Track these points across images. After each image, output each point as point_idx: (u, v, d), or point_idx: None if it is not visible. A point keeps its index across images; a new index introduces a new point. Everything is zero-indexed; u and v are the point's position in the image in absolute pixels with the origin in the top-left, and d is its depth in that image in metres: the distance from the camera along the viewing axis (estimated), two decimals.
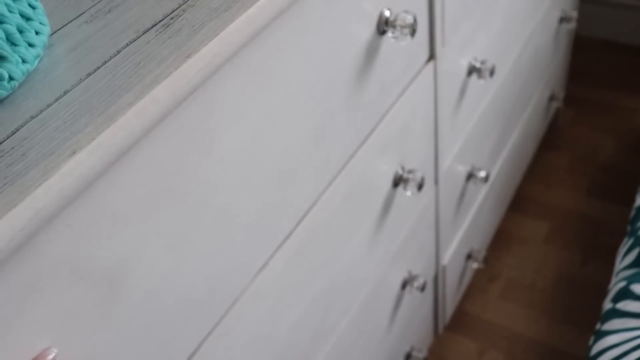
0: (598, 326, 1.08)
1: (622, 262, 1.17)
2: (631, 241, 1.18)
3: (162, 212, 0.51)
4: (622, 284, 1.09)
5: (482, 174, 1.23)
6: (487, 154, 1.35)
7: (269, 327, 0.72)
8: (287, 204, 0.67)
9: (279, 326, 0.74)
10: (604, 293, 1.52)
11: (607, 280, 1.56)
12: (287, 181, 0.66)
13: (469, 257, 1.48)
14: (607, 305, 1.09)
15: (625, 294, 1.06)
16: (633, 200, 1.69)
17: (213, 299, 0.61)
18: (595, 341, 1.04)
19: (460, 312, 1.60)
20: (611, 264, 1.61)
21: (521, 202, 1.82)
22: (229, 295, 0.64)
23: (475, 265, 1.50)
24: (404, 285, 1.10)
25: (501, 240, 1.74)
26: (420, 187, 0.87)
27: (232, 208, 0.59)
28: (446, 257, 1.30)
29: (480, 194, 1.40)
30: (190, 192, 0.53)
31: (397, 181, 0.89)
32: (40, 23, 0.47)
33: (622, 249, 1.20)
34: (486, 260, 1.47)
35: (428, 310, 1.36)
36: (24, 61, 0.44)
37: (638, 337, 0.95)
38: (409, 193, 0.88)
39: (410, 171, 0.88)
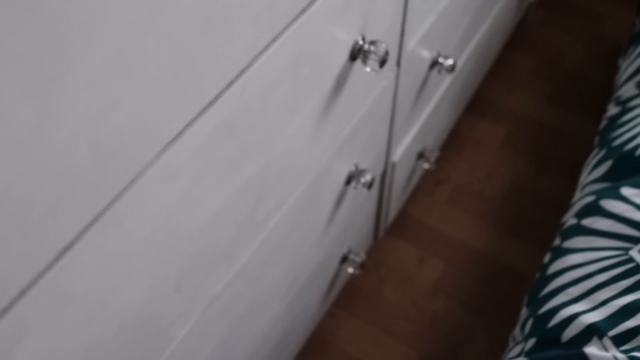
0: (557, 242, 0.97)
1: (589, 175, 1.05)
2: (602, 153, 1.06)
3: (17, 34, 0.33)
4: (590, 198, 0.97)
5: (449, 62, 1.07)
6: (455, 43, 1.19)
7: (180, 217, 0.57)
8: (214, 58, 0.50)
9: (193, 217, 0.59)
10: (557, 207, 1.43)
11: (561, 194, 1.46)
12: (217, 26, 0.48)
13: (421, 156, 1.35)
14: (571, 220, 0.98)
15: (593, 209, 0.94)
16: (596, 112, 1.58)
17: (101, 172, 0.45)
18: (553, 259, 0.93)
19: (403, 216, 1.49)
20: (567, 176, 1.51)
21: (480, 103, 1.68)
22: (125, 171, 0.47)
23: (426, 165, 1.37)
24: (348, 180, 0.95)
25: (454, 142, 1.61)
26: (382, 62, 0.70)
27: (134, 45, 0.41)
28: (397, 154, 1.16)
29: (441, 87, 1.25)
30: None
31: (356, 53, 0.73)
32: None
33: (591, 161, 1.08)
34: (437, 162, 1.34)
35: (371, 210, 1.23)
36: None
37: (606, 259, 0.84)
38: (368, 69, 0.72)
39: (372, 42, 0.71)
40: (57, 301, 0.48)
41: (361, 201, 1.11)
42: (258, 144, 0.63)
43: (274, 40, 0.58)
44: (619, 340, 0.70)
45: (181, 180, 0.55)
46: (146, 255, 0.55)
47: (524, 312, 0.91)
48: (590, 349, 0.70)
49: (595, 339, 0.72)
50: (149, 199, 0.52)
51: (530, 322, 0.84)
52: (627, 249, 0.82)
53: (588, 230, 0.91)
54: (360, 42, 0.72)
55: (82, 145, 0.41)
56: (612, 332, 0.71)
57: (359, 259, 1.19)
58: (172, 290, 0.60)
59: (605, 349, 0.70)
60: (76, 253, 0.47)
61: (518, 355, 0.79)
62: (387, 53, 0.70)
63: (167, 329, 0.63)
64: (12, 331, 0.45)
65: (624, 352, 0.68)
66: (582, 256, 0.87)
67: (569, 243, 0.92)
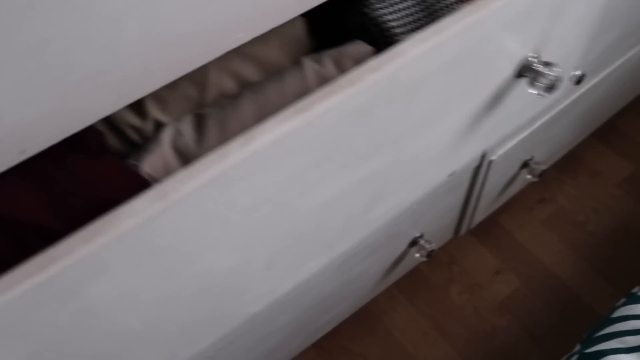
0: (635, 290, 0.89)
1: None
2: None
3: None
4: None
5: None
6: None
7: (290, 197, 0.53)
8: None
9: (304, 199, 0.54)
10: None
11: None
12: None
13: (525, 165, 1.26)
14: None
15: None
16: None
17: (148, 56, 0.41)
18: (625, 304, 0.86)
19: (493, 222, 1.41)
20: None
21: (612, 133, 1.56)
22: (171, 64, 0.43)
23: (529, 177, 1.28)
24: None
25: (570, 165, 1.50)
26: (551, 88, 0.63)
27: None
28: (497, 153, 1.08)
29: (567, 99, 1.14)
30: None
31: (523, 71, 0.65)
32: None
33: None
34: (544, 177, 1.25)
35: (455, 204, 1.17)
36: None
37: None
38: (534, 91, 0.64)
39: (547, 63, 0.63)
40: (141, 248, 0.45)
41: (447, 189, 1.05)
42: (392, 139, 0.58)
43: (438, 32, 0.51)
44: None
45: (299, 158, 0.50)
46: (246, 225, 0.51)
47: (576, 348, 0.86)
48: None
49: None
50: (261, 168, 0.47)
51: (574, 358, 0.80)
52: None
53: None
54: (533, 60, 0.64)
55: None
56: None
57: (428, 247, 1.13)
58: (263, 267, 0.57)
59: None
60: (174, 203, 0.44)
61: None
62: (559, 80, 0.63)
63: (245, 303, 0.60)
64: (90, 265, 0.42)
65: None
66: None
67: None
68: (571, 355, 0.82)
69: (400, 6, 0.61)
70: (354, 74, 0.50)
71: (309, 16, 0.63)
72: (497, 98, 0.66)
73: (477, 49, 0.57)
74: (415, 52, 0.51)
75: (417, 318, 1.30)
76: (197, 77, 0.57)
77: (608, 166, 1.51)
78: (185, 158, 0.53)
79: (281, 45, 0.61)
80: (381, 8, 0.60)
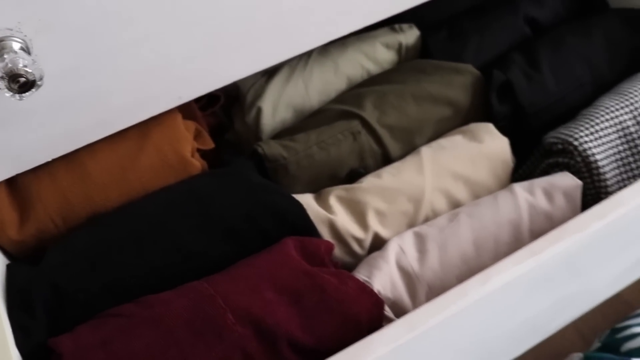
0: None
1: None
2: None
3: None
4: None
5: None
6: None
7: (500, 321, 0.57)
8: None
9: (505, 324, 0.59)
10: None
11: None
12: None
13: None
14: None
15: None
16: None
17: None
18: None
19: None
20: None
21: None
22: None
23: None
24: None
25: None
26: None
27: None
28: None
29: None
30: None
31: None
32: None
33: None
34: None
35: None
36: None
37: None
38: None
39: None
40: None
41: None
42: (581, 273, 0.61)
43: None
44: None
45: (520, 293, 0.54)
46: (459, 342, 0.56)
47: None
48: None
49: None
50: (493, 304, 0.52)
51: (607, 331, 0.81)
52: None
53: None
54: None
55: None
56: None
57: None
58: None
59: None
60: (421, 334, 0.49)
61: None
62: None
63: None
64: None
65: None
66: None
67: None
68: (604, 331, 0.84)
69: (605, 139, 0.64)
70: (580, 220, 0.54)
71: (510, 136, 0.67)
72: None
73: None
74: (635, 201, 0.55)
75: None
76: (414, 194, 0.62)
77: None
78: (408, 277, 0.58)
79: (490, 168, 0.65)
80: (588, 140, 0.64)
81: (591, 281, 0.68)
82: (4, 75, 0.46)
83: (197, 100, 0.69)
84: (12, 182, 0.60)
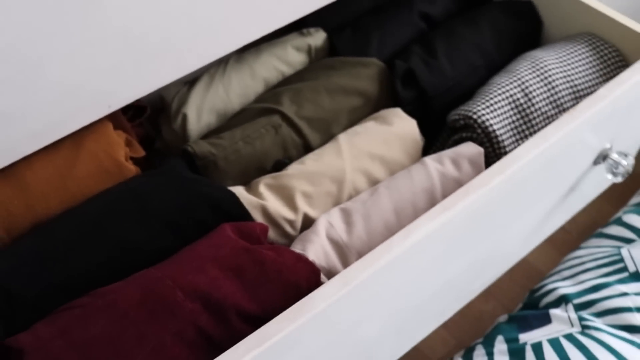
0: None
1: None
2: None
3: None
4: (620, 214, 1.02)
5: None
6: None
7: (427, 276, 0.63)
8: None
9: (433, 278, 0.65)
10: None
11: None
12: None
13: None
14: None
15: (616, 220, 1.00)
16: None
17: None
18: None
19: None
20: None
21: None
22: None
23: None
24: None
25: None
26: (626, 174, 0.74)
27: None
28: None
29: None
30: None
31: (600, 159, 0.76)
32: None
33: None
34: None
35: None
36: None
37: (600, 253, 0.92)
38: (609, 176, 0.75)
39: (624, 154, 0.75)
40: (327, 325, 0.55)
41: None
42: (492, 230, 0.68)
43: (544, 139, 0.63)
44: (580, 307, 0.83)
45: (438, 247, 0.61)
46: (390, 299, 0.61)
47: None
48: (555, 311, 0.83)
49: (562, 305, 0.84)
50: (415, 256, 0.58)
51: (526, 295, 0.95)
52: (620, 247, 0.91)
53: (602, 234, 0.98)
54: (607, 149, 0.75)
55: None
56: (576, 301, 0.83)
57: None
58: (393, 334, 0.67)
59: (567, 311, 0.82)
60: (354, 288, 0.54)
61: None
62: (632, 166, 0.74)
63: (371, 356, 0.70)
64: (290, 340, 0.52)
65: (579, 316, 0.81)
66: (585, 251, 0.95)
67: (584, 243, 1.00)
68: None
69: (500, 111, 0.72)
70: (484, 176, 0.61)
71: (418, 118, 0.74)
72: (576, 183, 0.77)
73: (569, 148, 0.69)
74: (528, 156, 0.62)
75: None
76: (336, 176, 0.68)
77: None
78: (338, 247, 0.63)
79: (401, 145, 0.72)
80: (485, 114, 0.71)
81: (502, 241, 0.75)
82: None
83: (125, 111, 0.73)
84: None
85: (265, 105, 0.73)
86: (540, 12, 0.85)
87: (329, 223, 0.64)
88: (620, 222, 0.95)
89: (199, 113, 0.75)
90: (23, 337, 0.53)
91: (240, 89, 0.77)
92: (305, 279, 0.58)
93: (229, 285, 0.56)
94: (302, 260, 0.59)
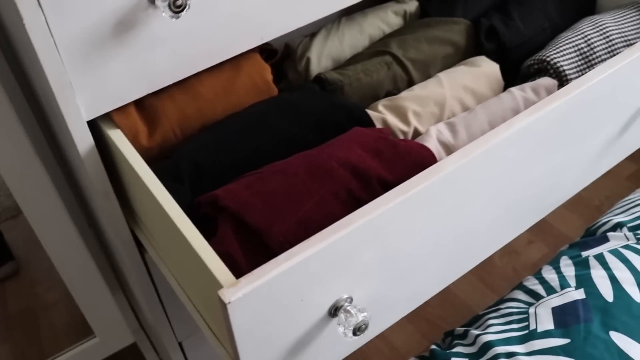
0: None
1: None
2: None
3: None
4: None
5: None
6: None
7: (515, 175, 0.78)
8: None
9: (522, 176, 0.80)
10: None
11: None
12: None
13: None
14: None
15: None
16: None
17: None
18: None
19: None
20: None
21: None
22: None
23: None
24: None
25: None
26: None
27: None
28: None
29: None
30: None
31: None
32: None
33: None
34: None
35: None
36: None
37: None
38: None
39: None
40: (449, 187, 0.70)
41: None
42: (567, 141, 0.84)
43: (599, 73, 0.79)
44: (634, 228, 0.96)
45: (532, 142, 0.76)
46: (490, 184, 0.77)
47: None
48: (611, 233, 0.97)
49: (617, 229, 0.98)
50: (516, 144, 0.73)
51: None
52: None
53: None
54: None
55: None
56: (630, 225, 0.97)
57: None
58: (485, 228, 0.82)
59: (622, 232, 0.96)
60: (473, 159, 0.69)
61: None
62: None
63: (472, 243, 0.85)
64: (426, 195, 0.67)
65: (634, 233, 0.94)
66: (634, 194, 1.10)
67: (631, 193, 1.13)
68: None
69: (568, 57, 0.89)
70: (566, 89, 0.77)
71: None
72: (630, 122, 0.92)
73: (629, 79, 0.84)
74: (588, 84, 0.78)
75: (466, 275, 1.55)
76: (439, 100, 0.84)
77: (618, 165, 1.79)
78: (447, 147, 0.79)
79: (487, 83, 0.88)
80: (556, 57, 0.88)
81: (574, 157, 0.89)
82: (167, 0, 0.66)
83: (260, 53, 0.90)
84: (139, 103, 0.78)
85: (377, 49, 0.90)
86: None
87: (438, 130, 0.80)
88: None
89: (319, 58, 0.92)
90: (215, 191, 0.69)
91: (351, 41, 0.94)
92: (428, 160, 0.74)
93: (371, 160, 0.72)
94: (425, 147, 0.75)
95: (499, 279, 1.64)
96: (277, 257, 0.61)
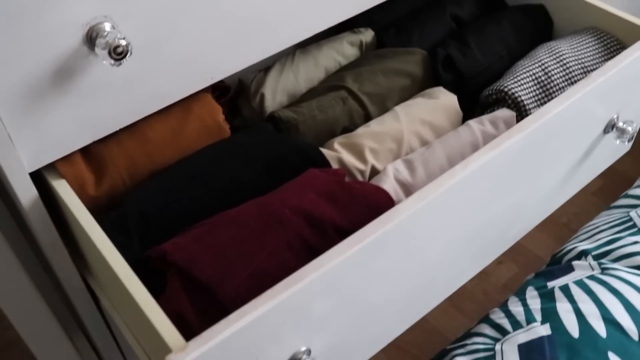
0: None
1: None
2: None
3: None
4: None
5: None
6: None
7: (475, 209, 0.77)
8: None
9: (481, 212, 0.78)
10: None
11: None
12: None
13: None
14: None
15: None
16: None
17: None
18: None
19: None
20: None
21: None
22: None
23: None
24: None
25: None
26: (631, 139, 0.89)
27: None
28: None
29: None
30: None
31: (609, 128, 0.91)
32: None
33: None
34: None
35: None
36: None
37: (614, 218, 1.05)
38: (617, 142, 0.90)
39: (626, 122, 0.90)
40: (403, 233, 0.68)
41: None
42: (525, 176, 0.83)
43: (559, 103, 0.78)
44: (598, 257, 0.97)
45: (488, 180, 0.75)
46: (453, 220, 0.75)
47: None
48: (576, 262, 0.97)
49: (582, 257, 0.98)
50: (470, 185, 0.72)
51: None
52: (629, 211, 1.05)
53: (611, 207, 1.12)
54: (615, 119, 0.91)
55: None
56: (594, 252, 0.97)
57: None
58: (448, 263, 0.80)
59: (587, 261, 0.96)
60: (428, 203, 0.67)
61: None
62: (635, 132, 0.89)
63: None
64: (378, 244, 0.65)
65: (598, 262, 0.94)
66: (598, 219, 1.10)
67: (596, 216, 1.13)
68: None
69: (525, 86, 0.88)
70: (522, 124, 0.75)
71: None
72: (591, 148, 0.92)
73: (584, 112, 0.84)
74: (554, 111, 0.77)
75: None
76: (396, 136, 0.82)
77: None
78: (404, 186, 0.77)
79: (445, 115, 0.87)
80: (513, 87, 0.87)
81: (533, 190, 0.89)
82: (107, 47, 0.63)
83: (211, 92, 0.87)
84: (86, 151, 0.75)
85: (332, 83, 0.88)
86: (551, 13, 1.02)
87: (395, 169, 0.78)
88: (627, 196, 1.10)
89: (274, 93, 0.90)
90: (163, 245, 0.66)
91: (306, 74, 0.92)
92: (384, 203, 0.71)
93: (326, 206, 0.70)
94: (381, 190, 0.73)
95: (469, 302, 1.63)
96: (229, 316, 0.59)
